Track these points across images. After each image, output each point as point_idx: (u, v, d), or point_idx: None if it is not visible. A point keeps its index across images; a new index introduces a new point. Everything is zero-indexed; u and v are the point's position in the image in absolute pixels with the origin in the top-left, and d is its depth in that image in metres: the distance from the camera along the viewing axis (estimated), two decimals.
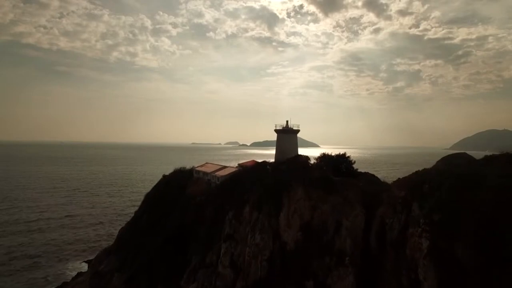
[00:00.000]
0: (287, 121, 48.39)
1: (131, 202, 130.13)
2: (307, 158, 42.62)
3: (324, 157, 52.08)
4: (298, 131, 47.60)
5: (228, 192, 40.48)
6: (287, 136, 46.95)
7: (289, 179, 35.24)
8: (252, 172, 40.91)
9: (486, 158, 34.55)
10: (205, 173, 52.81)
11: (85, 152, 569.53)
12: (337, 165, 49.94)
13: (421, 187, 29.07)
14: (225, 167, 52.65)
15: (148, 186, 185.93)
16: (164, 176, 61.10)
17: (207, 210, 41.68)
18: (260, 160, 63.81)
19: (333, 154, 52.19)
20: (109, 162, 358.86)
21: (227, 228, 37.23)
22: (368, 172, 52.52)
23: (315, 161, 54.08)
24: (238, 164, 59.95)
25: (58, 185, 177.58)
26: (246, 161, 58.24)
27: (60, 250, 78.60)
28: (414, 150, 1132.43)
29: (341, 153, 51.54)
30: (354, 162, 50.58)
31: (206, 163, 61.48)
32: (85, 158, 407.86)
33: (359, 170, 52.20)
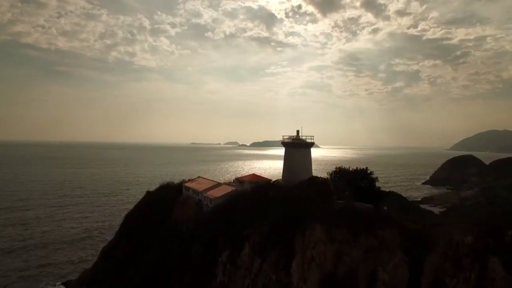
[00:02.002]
0: (297, 131, 37.84)
1: (124, 211, 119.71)
2: (326, 181, 33.19)
3: (340, 173, 43.07)
4: (312, 144, 37.71)
5: (223, 222, 31.29)
6: (298, 151, 36.18)
7: (302, 213, 26.06)
8: (253, 197, 31.58)
9: None
10: (195, 191, 43.62)
11: (84, 153, 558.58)
12: (356, 181, 41.01)
13: (501, 232, 20.02)
14: (219, 184, 43.42)
15: (144, 190, 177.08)
16: (148, 192, 51.70)
17: (195, 245, 32.49)
18: (260, 174, 54.79)
19: (351, 169, 43.25)
20: (107, 163, 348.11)
21: (220, 274, 28.10)
22: (393, 192, 43.64)
23: (328, 176, 45.07)
24: (236, 179, 50.87)
25: (51, 189, 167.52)
26: (245, 175, 49.17)
27: (37, 274, 68.84)
28: (414, 151, 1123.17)
29: (361, 168, 42.56)
30: (377, 179, 41.54)
31: (199, 177, 52.26)
32: (83, 159, 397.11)
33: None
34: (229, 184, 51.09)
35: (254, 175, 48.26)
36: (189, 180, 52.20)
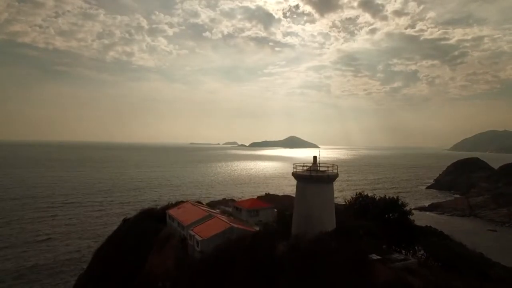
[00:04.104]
0: (314, 158, 27.08)
1: (114, 224, 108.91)
2: (359, 232, 23.55)
3: (363, 201, 34.34)
4: (335, 177, 26.64)
5: (209, 285, 22.50)
6: (317, 188, 24.84)
7: None
8: (253, 254, 22.38)
9: None
10: (180, 224, 34.84)
11: (82, 153, 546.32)
12: (384, 213, 32.37)
13: None
14: (210, 216, 34.44)
15: (139, 196, 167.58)
16: (124, 221, 42.70)
17: None
18: (257, 197, 46.03)
19: (376, 197, 34.54)
20: (104, 164, 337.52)
21: None
22: (431, 227, 34.76)
23: (346, 202, 36.37)
24: (232, 204, 42.33)
25: (41, 195, 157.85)
26: (244, 200, 40.67)
27: None
28: (414, 151, 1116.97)
29: (389, 197, 33.85)
30: (411, 211, 32.76)
31: (187, 201, 43.25)
32: (80, 160, 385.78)
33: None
34: (223, 211, 42.51)
35: (253, 200, 39.66)
36: (176, 204, 43.35)
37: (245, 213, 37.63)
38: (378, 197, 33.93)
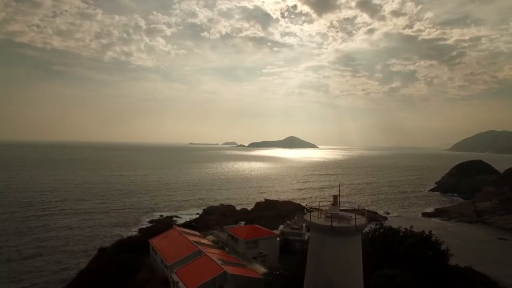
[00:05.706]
0: (335, 197, 19.04)
1: (105, 236, 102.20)
2: None
3: (385, 236, 28.19)
4: (365, 226, 18.61)
5: None
6: (339, 242, 17.36)
7: None
8: None
9: None
10: (163, 261, 28.72)
11: (80, 154, 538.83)
12: (414, 250, 26.33)
13: None
14: (199, 252, 28.13)
15: (135, 202, 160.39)
16: (100, 251, 36.56)
17: None
18: (256, 203, 39.93)
19: (400, 231, 28.43)
20: (101, 165, 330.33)
21: None
22: (470, 268, 28.69)
23: (369, 235, 30.17)
24: (228, 232, 36.22)
25: (34, 200, 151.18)
26: (240, 227, 34.58)
27: None
28: (413, 151, 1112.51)
29: (419, 231, 27.74)
30: (449, 252, 26.55)
31: (174, 227, 37.19)
32: (77, 162, 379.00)
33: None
34: (217, 239, 36.43)
35: (252, 228, 33.60)
36: (158, 235, 37.01)
37: (243, 244, 31.70)
38: (403, 229, 27.81)
